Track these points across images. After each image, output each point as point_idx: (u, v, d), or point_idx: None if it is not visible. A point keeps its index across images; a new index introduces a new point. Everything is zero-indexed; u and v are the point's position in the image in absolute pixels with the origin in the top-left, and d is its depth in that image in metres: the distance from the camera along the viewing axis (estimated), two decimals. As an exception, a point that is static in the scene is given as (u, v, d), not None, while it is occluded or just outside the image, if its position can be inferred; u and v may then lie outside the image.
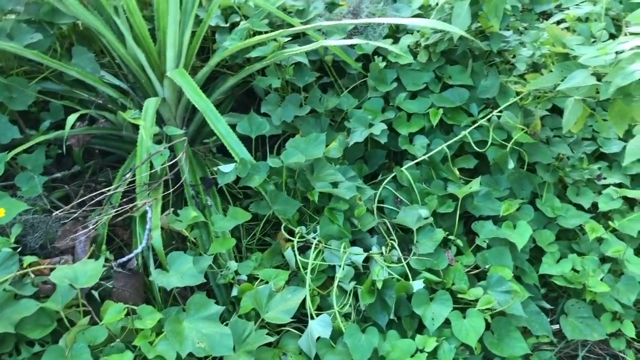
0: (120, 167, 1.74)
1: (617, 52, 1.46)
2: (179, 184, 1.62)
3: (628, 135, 1.63)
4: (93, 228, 1.50)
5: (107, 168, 1.87)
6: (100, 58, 1.94)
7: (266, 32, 1.79)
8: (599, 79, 1.48)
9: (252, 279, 1.52)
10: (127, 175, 1.57)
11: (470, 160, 1.79)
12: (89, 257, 1.49)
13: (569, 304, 1.62)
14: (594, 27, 1.73)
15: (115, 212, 1.52)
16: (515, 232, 1.61)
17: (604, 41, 1.64)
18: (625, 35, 1.50)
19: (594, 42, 1.82)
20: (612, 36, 2.03)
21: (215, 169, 1.65)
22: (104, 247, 1.53)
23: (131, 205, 1.52)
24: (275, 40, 1.76)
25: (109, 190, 1.55)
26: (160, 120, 1.84)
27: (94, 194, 1.52)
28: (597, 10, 1.99)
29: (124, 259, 1.45)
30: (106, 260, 1.44)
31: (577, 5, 1.90)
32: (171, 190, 1.57)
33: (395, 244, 1.58)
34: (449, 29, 1.58)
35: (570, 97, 1.58)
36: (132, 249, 1.55)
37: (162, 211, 1.56)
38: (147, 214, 1.47)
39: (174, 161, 1.60)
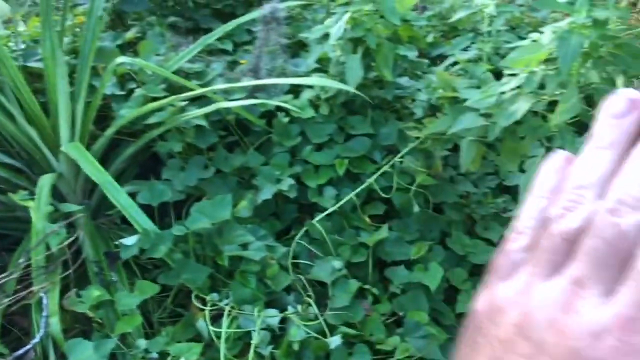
0: (17, 249, 1.64)
1: (500, 94, 1.54)
2: (80, 261, 1.54)
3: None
4: (-15, 321, 1.40)
5: (3, 252, 1.76)
6: (-10, 137, 1.85)
7: (164, 97, 1.77)
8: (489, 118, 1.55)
9: (164, 355, 1.45)
10: (22, 260, 1.48)
11: (379, 207, 1.81)
12: (-19, 354, 1.38)
13: (487, 340, 1.64)
14: (480, 69, 1.81)
15: (9, 301, 1.42)
16: (427, 274, 1.63)
17: (488, 83, 1.72)
18: (507, 76, 1.58)
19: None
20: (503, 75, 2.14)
21: (118, 242, 1.59)
22: (-2, 340, 1.43)
23: (26, 291, 1.43)
24: (172, 105, 1.74)
25: (2, 278, 1.46)
26: (59, 196, 1.76)
27: (-16, 284, 1.43)
28: (486, 51, 2.11)
29: (21, 352, 1.35)
30: (0, 354, 1.34)
31: (464, 49, 2.00)
32: (71, 270, 1.50)
33: (312, 301, 1.55)
34: (340, 87, 1.62)
35: (465, 138, 1.64)
36: (31, 338, 1.45)
37: (63, 293, 1.48)
38: (43, 300, 1.39)
39: (73, 238, 1.53)
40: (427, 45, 1.97)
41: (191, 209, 1.61)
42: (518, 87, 1.47)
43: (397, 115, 1.98)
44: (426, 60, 2.16)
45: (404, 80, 1.99)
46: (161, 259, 1.61)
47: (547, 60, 1.45)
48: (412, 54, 2.07)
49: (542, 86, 1.44)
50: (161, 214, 1.73)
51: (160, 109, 1.74)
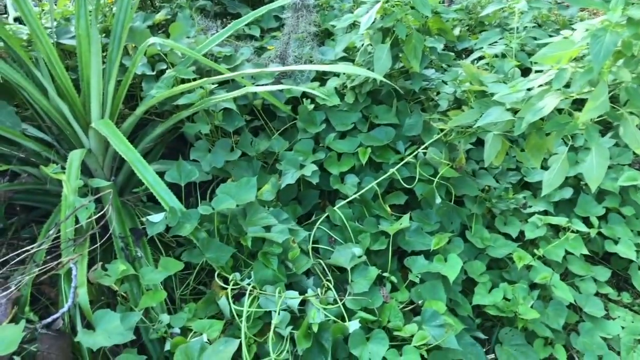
0: (47, 222, 1.68)
1: (528, 89, 1.54)
2: (107, 236, 1.58)
3: (547, 164, 1.71)
4: (15, 289, 1.44)
5: (32, 223, 1.80)
6: (23, 111, 1.89)
7: (194, 79, 1.80)
8: (515, 113, 1.56)
9: (186, 331, 1.49)
10: (52, 232, 1.52)
11: (400, 197, 1.83)
12: (10, 320, 1.42)
13: (502, 333, 1.66)
14: (507, 64, 1.82)
15: (39, 270, 1.46)
16: (447, 265, 1.65)
17: (515, 78, 1.73)
18: (535, 72, 1.59)
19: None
20: (528, 71, 2.15)
21: (144, 219, 1.62)
22: (27, 308, 1.47)
23: (56, 262, 1.46)
24: (202, 87, 1.76)
25: (32, 248, 1.50)
26: (87, 171, 1.80)
27: (15, 252, 1.47)
28: (513, 46, 2.11)
29: (49, 320, 1.39)
30: (30, 321, 1.38)
31: (491, 44, 2.00)
32: (99, 244, 1.53)
33: (331, 285, 1.58)
34: (368, 75, 1.63)
35: (490, 132, 1.65)
36: (59, 308, 1.49)
37: (90, 266, 1.51)
38: (72, 271, 1.42)
39: (100, 213, 1.57)
40: (454, 39, 1.97)
41: (217, 190, 1.64)
42: (547, 83, 1.47)
43: (421, 106, 1.99)
44: (452, 54, 2.16)
45: (430, 72, 2.00)
46: (185, 237, 1.65)
47: (575, 59, 1.45)
48: (439, 47, 2.08)
49: (568, 84, 1.45)
50: (185, 194, 1.76)
51: (189, 91, 1.76)
